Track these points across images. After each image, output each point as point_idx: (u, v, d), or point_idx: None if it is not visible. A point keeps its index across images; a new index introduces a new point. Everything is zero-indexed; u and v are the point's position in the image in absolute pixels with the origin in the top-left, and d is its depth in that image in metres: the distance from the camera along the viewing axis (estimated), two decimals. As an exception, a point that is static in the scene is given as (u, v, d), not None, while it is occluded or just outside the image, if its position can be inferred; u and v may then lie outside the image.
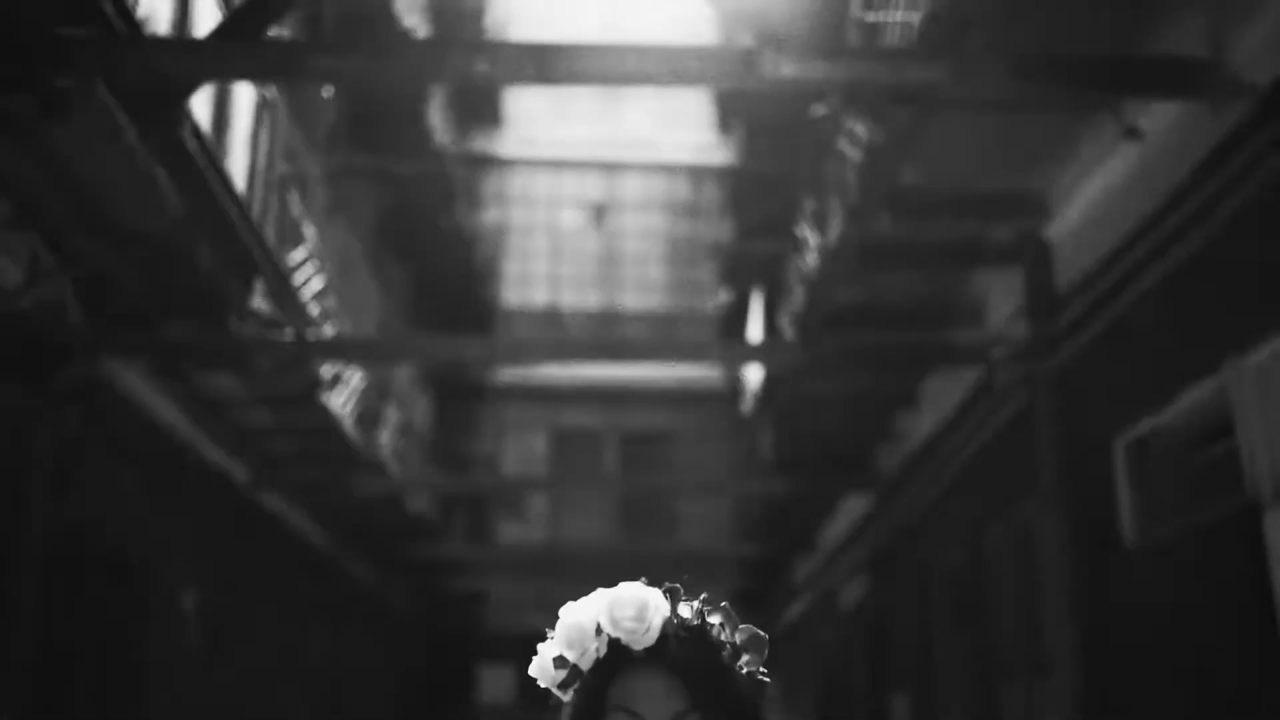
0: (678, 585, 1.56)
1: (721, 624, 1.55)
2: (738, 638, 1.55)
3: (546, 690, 1.58)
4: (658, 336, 18.52)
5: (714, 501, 17.61)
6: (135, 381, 7.79)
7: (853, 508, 11.72)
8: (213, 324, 7.09)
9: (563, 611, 1.56)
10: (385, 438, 11.71)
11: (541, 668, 1.57)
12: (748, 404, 12.93)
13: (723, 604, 1.57)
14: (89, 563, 7.63)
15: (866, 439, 10.32)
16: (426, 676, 18.13)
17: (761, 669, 1.56)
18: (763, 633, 1.57)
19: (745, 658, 1.55)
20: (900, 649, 10.54)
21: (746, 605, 18.19)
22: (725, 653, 1.53)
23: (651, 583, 1.56)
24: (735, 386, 15.58)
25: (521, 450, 18.79)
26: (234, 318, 7.12)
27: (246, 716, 10.17)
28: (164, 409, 8.31)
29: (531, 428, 19.04)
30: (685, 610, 1.54)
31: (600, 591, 1.55)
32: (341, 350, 8.29)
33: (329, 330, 8.66)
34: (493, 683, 18.39)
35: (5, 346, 6.27)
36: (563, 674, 1.54)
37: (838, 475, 10.94)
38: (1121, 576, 6.00)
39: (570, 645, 1.54)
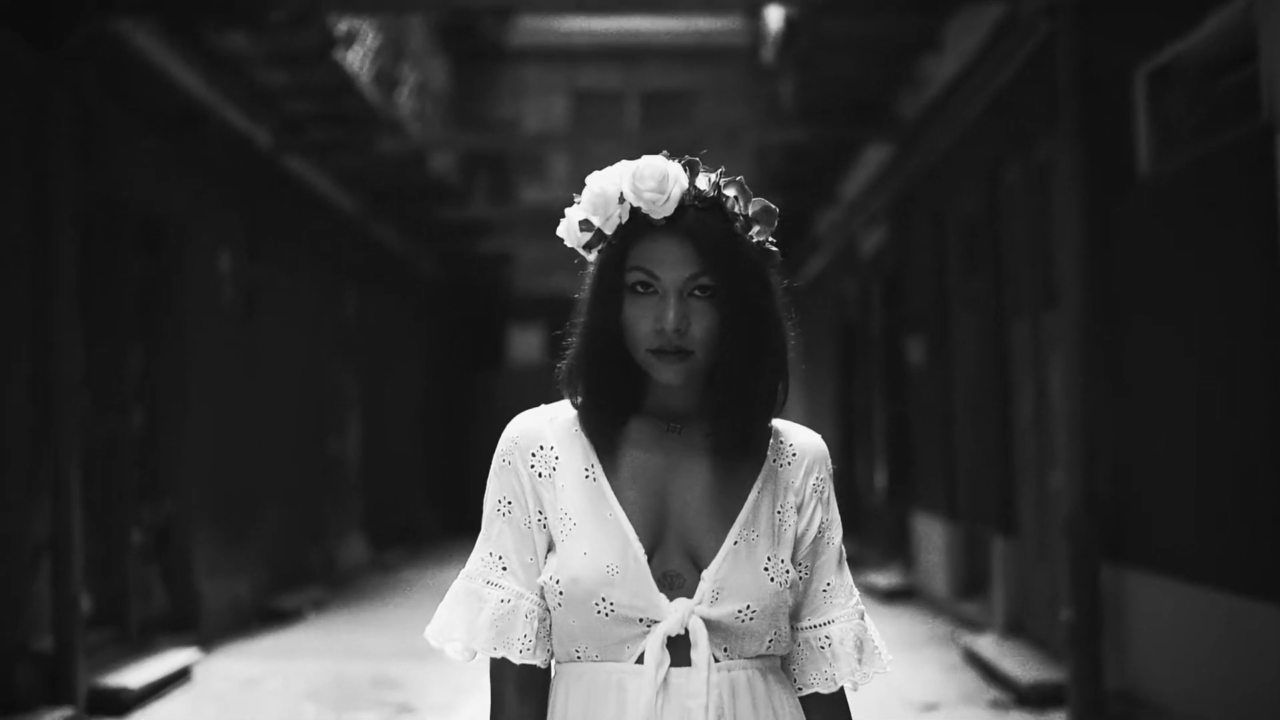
0: (696, 159, 1.62)
1: (736, 196, 1.62)
2: (750, 209, 1.62)
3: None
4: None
5: (737, 158, 17.54)
6: (149, 42, 7.71)
7: (873, 157, 11.72)
8: (219, -23, 6.95)
9: (589, 179, 1.63)
10: (404, 97, 11.63)
11: (568, 229, 1.65)
12: (768, 52, 12.68)
13: (738, 178, 1.64)
14: (121, 230, 7.81)
15: (888, 85, 10.20)
16: (457, 338, 18.72)
17: (771, 238, 1.64)
18: (773, 205, 1.64)
19: (756, 228, 1.62)
20: (916, 292, 10.81)
21: (769, 260, 18.42)
22: (738, 223, 1.61)
23: (672, 156, 1.62)
24: (756, 39, 15.22)
25: (541, 112, 18.62)
26: (240, -31, 6.97)
27: (285, 371, 10.64)
28: (181, 71, 8.26)
29: (551, 89, 18.77)
30: (702, 183, 1.60)
31: (624, 163, 1.62)
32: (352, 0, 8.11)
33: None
34: (521, 343, 18.99)
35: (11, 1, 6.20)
36: (587, 236, 1.63)
37: (859, 123, 10.87)
38: (1133, 208, 6.08)
39: (595, 211, 1.61)
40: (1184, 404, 5.64)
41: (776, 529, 1.63)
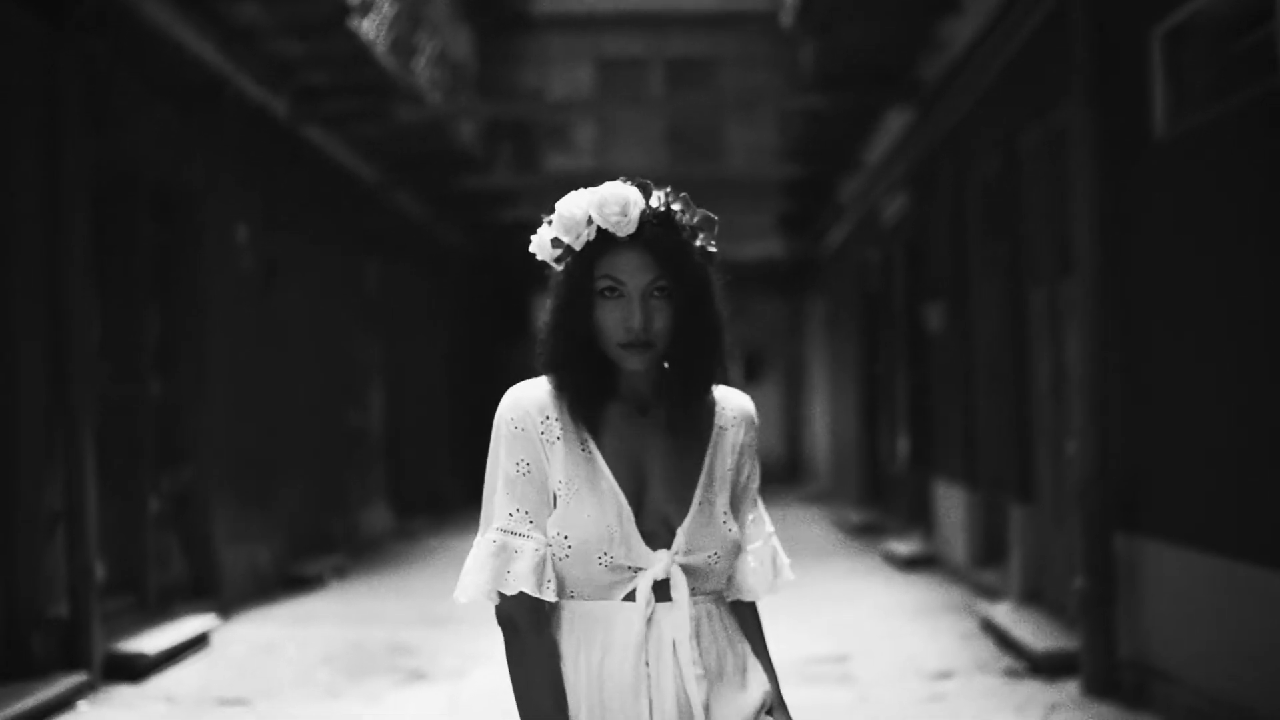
0: (648, 182, 1.95)
1: (682, 210, 1.95)
2: (695, 220, 1.96)
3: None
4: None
5: (760, 127, 17.44)
6: (161, 12, 7.71)
7: (894, 123, 11.61)
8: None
9: (559, 205, 1.94)
10: (421, 66, 11.59)
11: (540, 245, 1.97)
12: (787, 17, 12.56)
13: (682, 194, 1.96)
14: (135, 200, 7.83)
15: (907, 48, 10.06)
16: (482, 307, 18.74)
17: (711, 243, 1.97)
18: (712, 215, 1.97)
19: (700, 235, 1.97)
20: (936, 260, 10.71)
21: (793, 229, 18.35)
22: (685, 233, 1.95)
23: (628, 180, 1.94)
24: (776, 4, 15.09)
25: (566, 81, 18.54)
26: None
27: (305, 342, 10.67)
28: (194, 42, 8.25)
29: (575, 58, 18.69)
30: (655, 201, 1.93)
31: (587, 190, 1.93)
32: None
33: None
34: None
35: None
36: (558, 252, 1.95)
37: (879, 88, 10.75)
38: (1149, 171, 5.99)
39: (566, 232, 1.93)
40: (1199, 371, 5.57)
41: (730, 483, 2.02)
